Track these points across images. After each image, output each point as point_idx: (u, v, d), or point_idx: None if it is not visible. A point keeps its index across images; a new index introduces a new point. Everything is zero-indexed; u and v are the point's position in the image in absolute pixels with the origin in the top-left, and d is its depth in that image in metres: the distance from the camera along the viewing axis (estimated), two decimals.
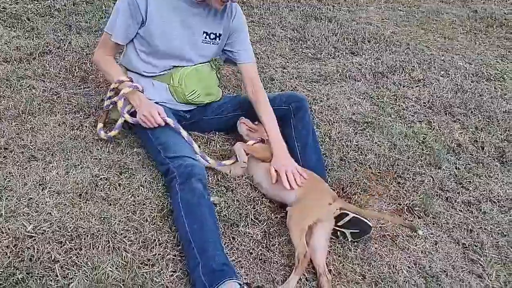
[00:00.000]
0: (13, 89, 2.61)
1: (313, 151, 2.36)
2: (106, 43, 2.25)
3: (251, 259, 1.88)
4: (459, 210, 2.38)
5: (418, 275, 1.97)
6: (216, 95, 2.49)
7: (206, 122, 2.49)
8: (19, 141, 2.24)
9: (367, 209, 2.24)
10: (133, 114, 2.22)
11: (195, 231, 1.77)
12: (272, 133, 2.22)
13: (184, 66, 2.28)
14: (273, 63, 3.56)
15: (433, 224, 2.26)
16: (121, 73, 2.25)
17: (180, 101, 2.33)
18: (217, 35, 2.29)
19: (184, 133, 2.17)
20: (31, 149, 2.20)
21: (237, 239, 1.95)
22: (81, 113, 2.54)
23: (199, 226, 1.78)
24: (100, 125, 2.34)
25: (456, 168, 2.69)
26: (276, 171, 2.09)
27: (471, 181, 2.60)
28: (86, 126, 2.43)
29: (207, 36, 2.26)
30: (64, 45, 3.17)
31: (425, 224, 2.25)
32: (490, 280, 1.98)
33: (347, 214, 2.05)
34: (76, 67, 2.94)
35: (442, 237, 2.19)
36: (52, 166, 2.12)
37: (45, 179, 2.04)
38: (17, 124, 2.36)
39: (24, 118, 2.40)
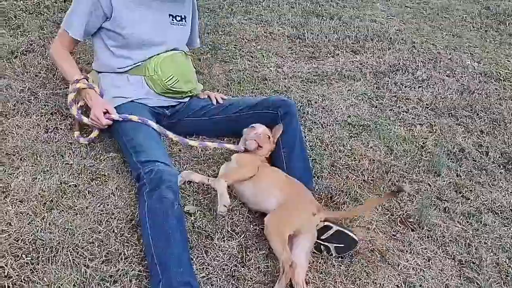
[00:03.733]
0: None
1: (300, 159, 2.22)
2: (63, 38, 2.19)
3: (223, 276, 1.74)
4: (457, 222, 2.21)
5: None
6: (196, 86, 2.41)
7: (188, 123, 2.36)
8: None
9: (354, 209, 2.13)
10: None
11: (159, 245, 1.64)
12: None
13: (157, 55, 2.21)
14: (267, 62, 3.40)
15: (428, 237, 2.09)
16: (76, 71, 2.18)
17: (159, 90, 2.22)
18: (182, 16, 2.31)
19: (154, 125, 2.09)
20: None
21: (210, 253, 1.81)
22: (57, 115, 2.41)
23: (164, 240, 1.65)
24: (76, 133, 2.24)
25: (456, 176, 2.52)
26: None
27: (473, 189, 2.42)
28: (61, 129, 2.31)
29: (173, 19, 2.27)
30: (49, 43, 3.05)
31: (418, 237, 2.09)
32: None
33: (331, 227, 1.89)
34: None
35: (437, 252, 2.02)
36: (19, 172, 2.00)
37: (10, 186, 1.92)
38: None
39: None
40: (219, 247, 1.84)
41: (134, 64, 2.19)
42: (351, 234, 1.89)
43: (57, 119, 2.38)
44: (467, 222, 2.21)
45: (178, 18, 2.29)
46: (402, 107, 3.11)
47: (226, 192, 1.89)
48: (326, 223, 1.90)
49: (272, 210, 1.91)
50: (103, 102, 2.12)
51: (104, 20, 2.11)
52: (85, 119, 2.15)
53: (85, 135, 2.25)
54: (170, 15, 2.26)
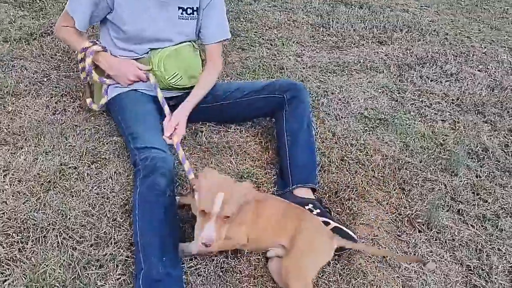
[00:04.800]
0: (4, 70, 2.54)
1: (304, 148, 2.12)
2: (68, 22, 2.07)
3: (211, 267, 1.69)
4: (471, 225, 2.07)
5: None
6: None
7: (193, 110, 2.30)
8: None
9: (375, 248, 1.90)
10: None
11: (145, 233, 1.61)
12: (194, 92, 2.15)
13: (162, 48, 2.09)
14: (287, 51, 3.31)
15: (436, 240, 1.97)
16: (83, 40, 2.09)
17: (161, 86, 2.13)
18: (194, 9, 2.10)
19: (167, 110, 2.02)
20: (5, 132, 2.12)
21: None
22: (67, 97, 2.43)
23: (150, 228, 1.61)
24: (88, 100, 2.22)
25: (476, 176, 2.36)
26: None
27: (492, 191, 2.27)
28: (69, 111, 2.32)
29: (184, 12, 2.08)
30: None
31: (426, 239, 1.97)
32: None
33: (329, 223, 1.81)
34: None
35: (443, 255, 1.90)
36: (22, 152, 2.03)
37: (11, 165, 1.95)
38: None
39: (8, 100, 2.33)
40: None
41: (137, 56, 2.12)
42: (350, 232, 1.81)
43: (66, 101, 2.40)
44: (482, 226, 2.07)
45: (190, 11, 2.08)
46: (424, 101, 2.95)
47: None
48: (323, 219, 1.82)
49: (282, 244, 1.68)
50: (128, 60, 2.09)
51: (108, 12, 2.01)
52: (108, 80, 2.11)
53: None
54: (180, 8, 2.07)
